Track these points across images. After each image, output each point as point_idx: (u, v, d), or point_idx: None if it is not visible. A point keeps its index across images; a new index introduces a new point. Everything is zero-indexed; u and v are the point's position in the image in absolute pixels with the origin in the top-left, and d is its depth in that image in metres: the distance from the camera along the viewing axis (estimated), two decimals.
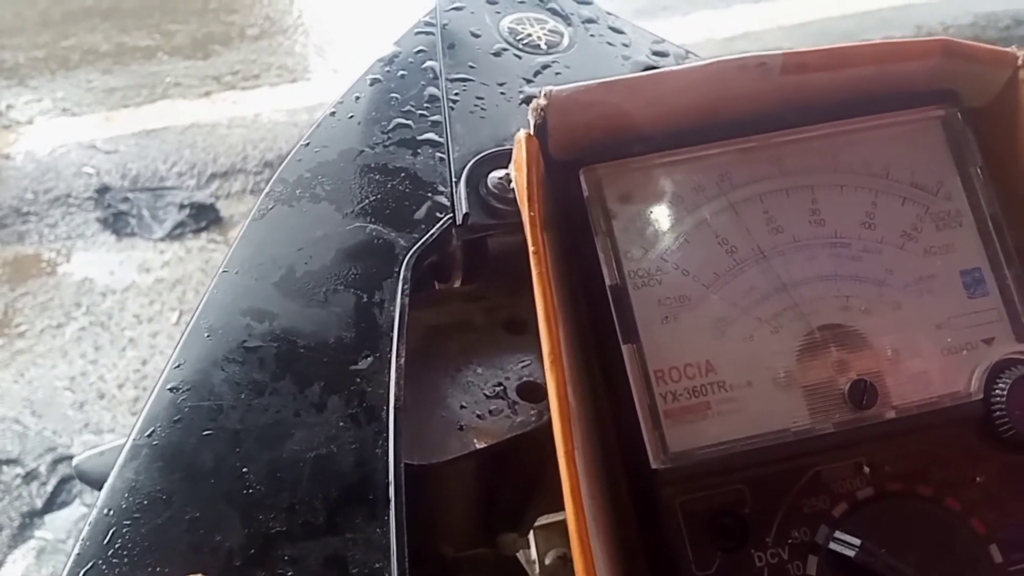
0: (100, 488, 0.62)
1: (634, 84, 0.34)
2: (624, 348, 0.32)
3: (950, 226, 0.35)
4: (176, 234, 1.98)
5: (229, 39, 2.46)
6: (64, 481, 1.55)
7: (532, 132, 0.33)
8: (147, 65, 2.35)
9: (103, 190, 2.03)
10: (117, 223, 1.99)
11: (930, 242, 0.35)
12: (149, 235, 1.97)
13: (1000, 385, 0.33)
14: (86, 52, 2.39)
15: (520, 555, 0.41)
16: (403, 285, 0.35)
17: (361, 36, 2.44)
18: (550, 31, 0.48)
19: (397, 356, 0.33)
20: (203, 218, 1.99)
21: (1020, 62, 0.35)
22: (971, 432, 0.33)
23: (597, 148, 0.34)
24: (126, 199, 2.03)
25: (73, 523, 1.51)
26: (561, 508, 0.41)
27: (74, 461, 0.60)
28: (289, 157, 0.40)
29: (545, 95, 0.32)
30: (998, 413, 0.33)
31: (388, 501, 0.30)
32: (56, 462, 1.58)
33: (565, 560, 0.41)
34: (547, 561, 0.41)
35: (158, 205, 2.02)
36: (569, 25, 0.49)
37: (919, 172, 0.36)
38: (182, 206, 2.01)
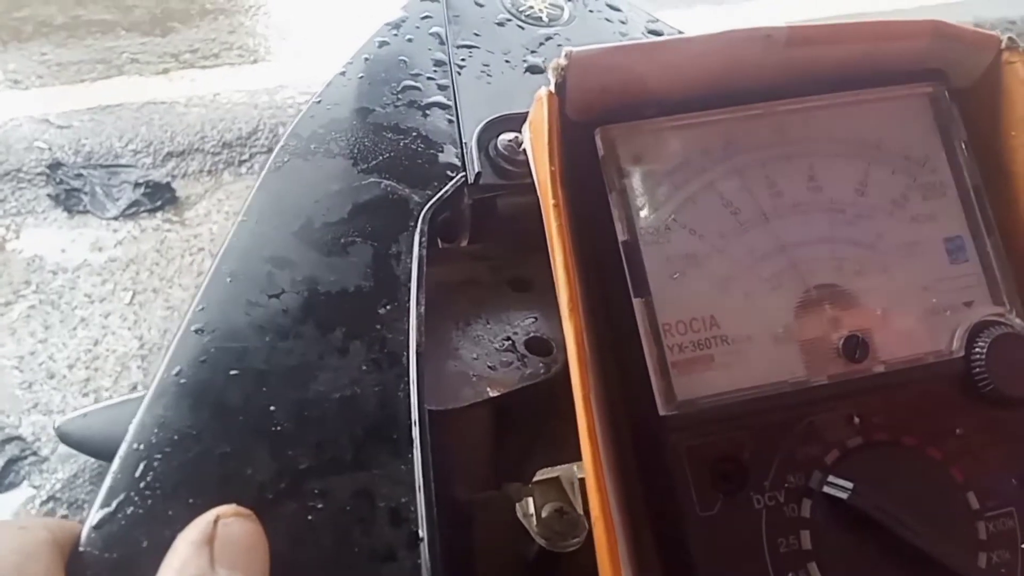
0: (82, 450, 0.61)
1: (650, 49, 0.35)
2: (635, 302, 0.34)
3: (935, 196, 0.37)
4: (130, 213, 1.94)
5: (189, 16, 2.42)
6: (12, 462, 1.51)
7: (552, 90, 0.34)
8: (103, 40, 2.29)
9: (55, 166, 1.97)
10: (69, 200, 1.94)
11: (917, 210, 0.37)
12: (102, 213, 1.92)
13: (979, 344, 0.35)
14: (40, 24, 2.32)
15: (518, 508, 0.42)
16: (420, 238, 0.36)
17: (325, 20, 2.41)
18: (551, 4, 0.49)
19: (417, 304, 0.34)
20: (158, 197, 1.95)
21: (1003, 45, 0.38)
22: (953, 387, 0.35)
23: (611, 110, 0.36)
24: (79, 175, 1.98)
25: (21, 504, 1.47)
26: (559, 462, 0.43)
27: (57, 423, 0.60)
28: (302, 114, 0.40)
29: (566, 55, 0.33)
30: (977, 370, 0.35)
31: (411, 440, 0.31)
32: (3, 443, 1.54)
33: (561, 514, 0.43)
34: (544, 514, 0.42)
35: (112, 183, 1.98)
36: (569, 0, 0.50)
37: (908, 145, 0.38)
38: (137, 184, 1.97)
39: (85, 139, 2.04)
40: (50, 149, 2.01)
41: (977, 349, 0.35)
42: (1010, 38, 0.38)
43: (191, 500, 0.29)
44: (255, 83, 2.22)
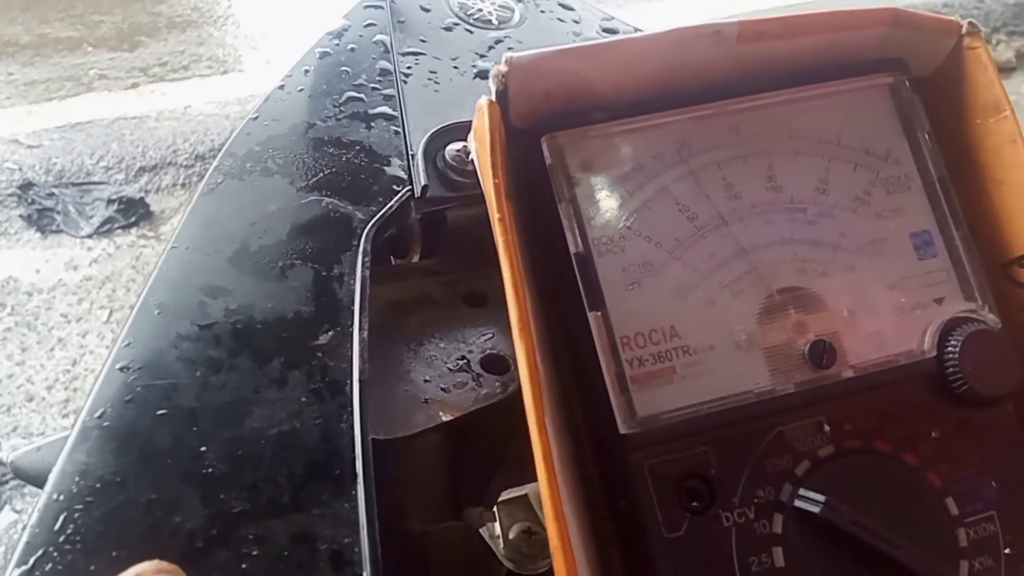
0: (38, 484, 0.59)
1: (594, 51, 0.33)
2: (591, 315, 0.32)
3: (900, 190, 0.36)
4: (104, 230, 1.91)
5: (156, 30, 2.39)
6: None
7: (494, 99, 0.32)
8: (70, 57, 2.27)
9: (26, 186, 1.95)
10: (42, 220, 1.91)
11: (881, 206, 0.36)
12: (76, 231, 1.90)
13: (952, 343, 0.34)
14: (5, 44, 2.29)
15: (484, 530, 0.40)
16: (363, 258, 0.34)
17: (294, 27, 2.40)
18: (500, 6, 0.47)
19: (360, 329, 0.32)
20: (132, 213, 1.93)
21: (964, 31, 0.36)
22: (926, 389, 0.34)
23: (557, 116, 0.34)
24: (51, 195, 1.95)
25: (3, 529, 1.45)
26: (524, 482, 0.41)
27: (9, 457, 0.58)
28: (238, 131, 0.38)
29: (506, 61, 0.32)
30: (951, 370, 0.33)
31: (355, 476, 0.29)
32: None
33: (529, 534, 0.41)
34: (511, 535, 0.41)
35: (85, 201, 1.95)
36: (519, 1, 0.49)
37: (869, 138, 0.36)
38: (110, 201, 1.94)
39: (56, 158, 2.01)
40: (20, 169, 1.99)
41: (950, 348, 0.34)
42: (971, 23, 0.37)
43: (115, 553, 0.27)
44: (226, 94, 2.20)
